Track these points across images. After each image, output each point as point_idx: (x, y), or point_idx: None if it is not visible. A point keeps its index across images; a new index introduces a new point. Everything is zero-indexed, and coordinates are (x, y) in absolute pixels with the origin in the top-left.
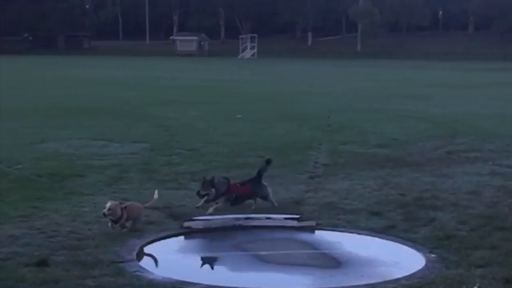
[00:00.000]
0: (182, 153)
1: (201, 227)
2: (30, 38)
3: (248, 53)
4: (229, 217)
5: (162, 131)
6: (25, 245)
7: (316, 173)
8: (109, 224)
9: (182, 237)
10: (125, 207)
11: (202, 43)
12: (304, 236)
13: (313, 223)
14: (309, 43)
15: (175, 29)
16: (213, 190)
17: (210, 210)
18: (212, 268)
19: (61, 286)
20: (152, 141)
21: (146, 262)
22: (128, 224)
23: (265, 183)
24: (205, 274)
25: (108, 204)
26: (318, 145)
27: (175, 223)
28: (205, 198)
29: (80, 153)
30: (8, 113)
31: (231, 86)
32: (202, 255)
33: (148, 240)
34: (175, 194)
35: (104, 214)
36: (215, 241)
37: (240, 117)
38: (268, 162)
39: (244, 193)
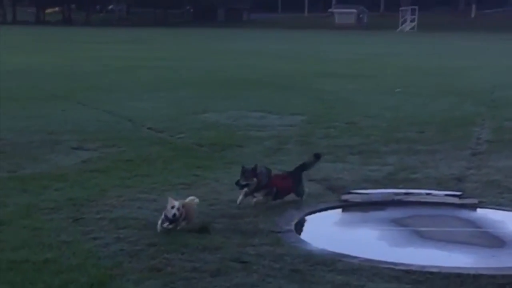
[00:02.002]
0: (340, 126)
1: (359, 200)
2: (192, 10)
3: (407, 26)
4: (388, 192)
5: (320, 103)
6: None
7: (478, 149)
8: (163, 225)
9: (340, 210)
10: (183, 206)
11: (360, 15)
12: (466, 213)
13: (475, 200)
14: (472, 16)
15: (333, 2)
16: (254, 180)
17: (240, 200)
18: (370, 242)
19: (221, 253)
20: (310, 113)
21: (304, 233)
22: (184, 223)
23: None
24: (363, 248)
25: (176, 204)
26: (481, 121)
27: (333, 195)
28: (245, 190)
29: (239, 124)
30: (172, 83)
31: (390, 59)
32: (360, 228)
33: (307, 211)
34: (333, 167)
35: (174, 216)
36: (373, 215)
37: (399, 90)
38: (316, 157)
39: (285, 187)
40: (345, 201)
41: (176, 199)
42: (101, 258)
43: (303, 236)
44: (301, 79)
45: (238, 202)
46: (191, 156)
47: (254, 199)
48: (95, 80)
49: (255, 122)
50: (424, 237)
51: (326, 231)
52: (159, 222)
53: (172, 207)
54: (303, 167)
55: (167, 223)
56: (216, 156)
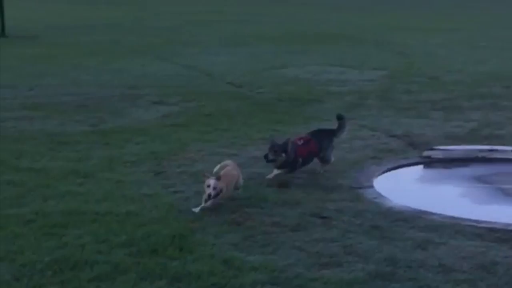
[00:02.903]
0: (422, 81)
1: (441, 157)
2: None
3: None
4: (472, 148)
5: (402, 58)
6: (267, 167)
7: None
8: (206, 203)
9: (421, 166)
10: (219, 178)
11: None
12: None
13: None
14: None
15: None
16: (283, 155)
17: (270, 175)
18: (453, 199)
19: (301, 208)
20: (391, 68)
21: (385, 189)
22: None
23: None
24: (444, 205)
25: (212, 182)
26: None
27: (414, 151)
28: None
29: (319, 78)
30: (250, 38)
31: (473, 12)
32: (442, 185)
33: (387, 167)
34: (415, 123)
35: (210, 196)
36: (456, 172)
37: (484, 44)
38: (339, 118)
39: (310, 152)
40: (427, 157)
41: (211, 176)
42: (182, 211)
43: (384, 192)
44: (383, 33)
45: (268, 177)
46: (271, 111)
47: (273, 173)
48: (173, 35)
49: (335, 77)
50: (509, 195)
51: (407, 187)
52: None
53: (208, 186)
54: (334, 133)
55: (203, 204)
56: (296, 111)
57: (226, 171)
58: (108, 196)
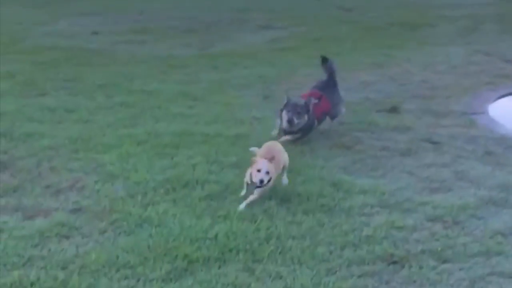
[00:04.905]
0: None
1: None
2: None
3: None
4: None
5: None
6: (378, 91)
7: None
8: (254, 195)
9: None
10: (272, 159)
11: None
12: None
13: None
14: None
15: None
16: (305, 117)
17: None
18: None
19: (412, 133)
20: None
21: (499, 116)
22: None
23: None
24: None
25: (265, 165)
26: None
27: None
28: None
29: (432, 3)
30: None
31: None
32: None
33: (503, 93)
34: None
35: (262, 182)
36: None
37: None
38: (324, 61)
39: (324, 112)
40: None
41: (260, 156)
42: None
43: (498, 118)
44: None
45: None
46: (382, 36)
47: (285, 138)
48: None
49: (449, 1)
50: None
51: None
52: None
53: (259, 170)
54: (333, 80)
55: (249, 196)
56: (408, 36)
57: (276, 152)
58: (217, 119)
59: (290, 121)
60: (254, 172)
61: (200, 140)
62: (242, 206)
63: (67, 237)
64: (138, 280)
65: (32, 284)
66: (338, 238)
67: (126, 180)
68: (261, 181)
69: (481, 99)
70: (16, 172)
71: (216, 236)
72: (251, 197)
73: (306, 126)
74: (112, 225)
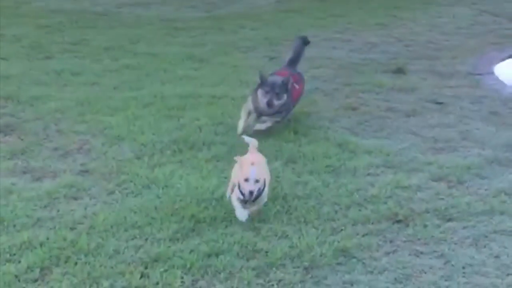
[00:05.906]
0: None
1: None
2: None
3: None
4: None
5: None
6: (383, 52)
7: None
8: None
9: None
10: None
11: None
12: None
13: None
14: None
15: None
16: (285, 97)
17: (262, 126)
18: None
19: (417, 94)
20: None
21: (505, 77)
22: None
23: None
24: None
25: (252, 173)
26: None
27: None
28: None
29: None
30: None
31: None
32: None
33: (509, 54)
34: None
35: (252, 195)
36: None
37: None
38: (305, 42)
39: (300, 93)
40: None
41: (243, 159)
42: None
43: (504, 79)
44: None
45: (255, 129)
46: None
47: (266, 124)
48: None
49: None
50: None
51: None
52: (235, 200)
53: (246, 180)
54: (298, 55)
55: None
56: None
57: (258, 161)
58: (223, 80)
59: (269, 103)
60: (241, 183)
61: (206, 102)
62: (243, 218)
63: (75, 198)
64: (146, 240)
65: (41, 244)
66: (343, 198)
67: (133, 142)
68: (251, 192)
69: (487, 59)
70: (24, 135)
71: (222, 196)
72: (251, 210)
73: (286, 107)
74: (119, 187)
